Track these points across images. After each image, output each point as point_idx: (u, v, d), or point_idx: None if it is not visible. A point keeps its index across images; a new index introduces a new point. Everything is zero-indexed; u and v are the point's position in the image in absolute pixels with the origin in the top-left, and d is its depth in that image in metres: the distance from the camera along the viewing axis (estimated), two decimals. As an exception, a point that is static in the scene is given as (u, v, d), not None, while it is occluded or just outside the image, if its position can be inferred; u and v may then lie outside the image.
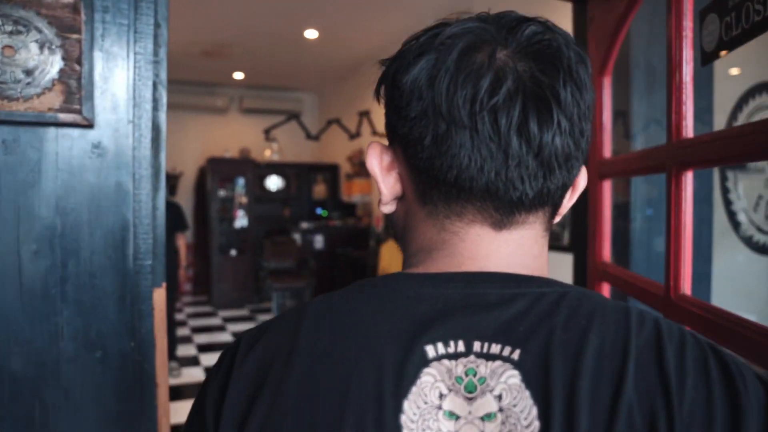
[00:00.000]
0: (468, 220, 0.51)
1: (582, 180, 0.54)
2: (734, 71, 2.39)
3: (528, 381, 0.43)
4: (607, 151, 1.47)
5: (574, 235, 1.60)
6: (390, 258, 5.75)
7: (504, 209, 0.50)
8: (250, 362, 0.49)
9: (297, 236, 7.04)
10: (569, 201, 0.54)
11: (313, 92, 9.48)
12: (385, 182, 0.55)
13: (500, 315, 0.46)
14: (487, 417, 0.43)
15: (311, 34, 6.10)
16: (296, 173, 8.36)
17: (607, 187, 1.47)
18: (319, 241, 7.03)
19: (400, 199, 0.56)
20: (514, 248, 0.51)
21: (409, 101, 0.50)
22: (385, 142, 0.58)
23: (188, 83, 8.58)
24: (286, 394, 0.46)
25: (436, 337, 0.46)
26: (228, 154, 8.23)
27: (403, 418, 0.43)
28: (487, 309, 0.47)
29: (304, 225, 7.22)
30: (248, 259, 7.78)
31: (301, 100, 9.33)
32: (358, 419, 0.43)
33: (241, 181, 8.04)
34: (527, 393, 0.43)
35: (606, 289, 1.47)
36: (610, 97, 1.46)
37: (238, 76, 8.13)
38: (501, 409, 0.43)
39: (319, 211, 8.34)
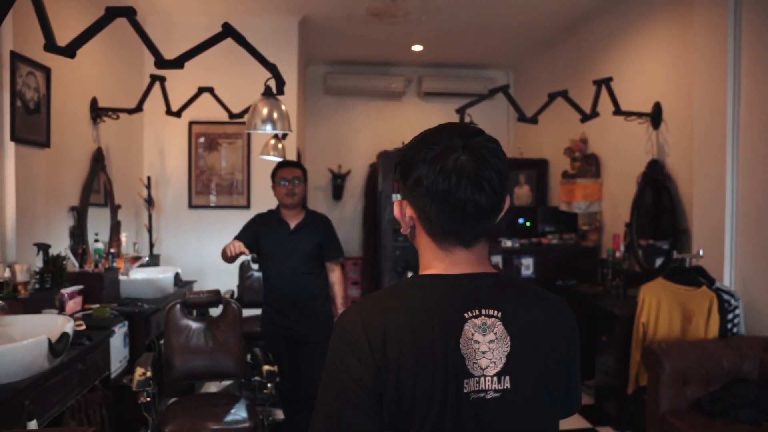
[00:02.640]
0: (452, 244, 1.02)
1: (506, 205, 1.05)
2: None
3: (506, 326, 0.98)
4: None
5: None
6: (658, 308, 3.56)
7: (468, 240, 1.02)
8: (378, 331, 0.95)
9: (497, 258, 5.09)
10: (499, 218, 1.05)
11: (508, 69, 7.46)
12: (405, 222, 1.07)
13: (490, 294, 1.00)
14: (492, 342, 0.97)
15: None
16: (490, 171, 6.34)
17: None
18: (528, 266, 5.03)
19: (412, 226, 1.07)
20: (477, 257, 1.04)
21: (414, 188, 1.01)
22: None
23: (356, 63, 7.04)
24: (408, 346, 0.94)
25: (466, 308, 0.98)
26: (404, 147, 6.52)
27: (460, 345, 0.95)
28: (484, 291, 1.00)
29: (507, 243, 5.25)
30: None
31: (493, 79, 7.35)
32: (441, 350, 0.94)
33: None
34: (506, 332, 0.98)
35: None
36: None
37: (417, 48, 6.39)
38: (497, 338, 0.97)
39: (521, 221, 6.32)
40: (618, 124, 4.71)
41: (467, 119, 4.21)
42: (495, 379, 0.95)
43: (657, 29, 4.44)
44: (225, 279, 5.05)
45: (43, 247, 3.11)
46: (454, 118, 7.22)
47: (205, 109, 4.81)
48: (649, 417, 3.12)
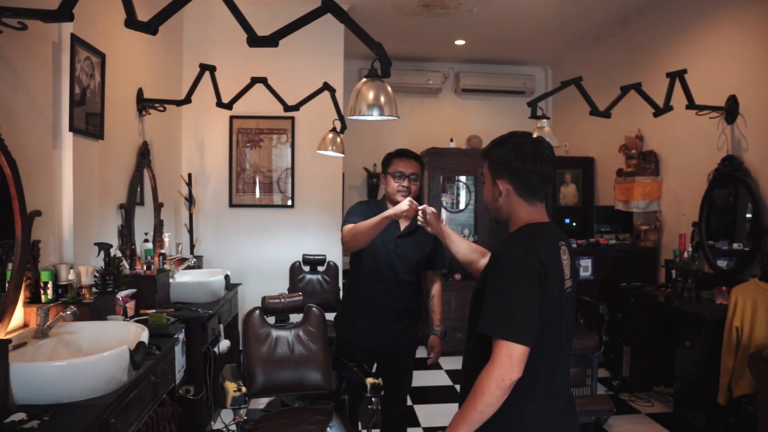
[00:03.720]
0: (535, 200, 1.66)
1: None
2: None
3: (567, 249, 1.67)
4: None
5: None
6: (753, 311, 3.32)
7: (542, 197, 1.67)
8: (538, 257, 1.53)
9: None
10: None
11: (546, 65, 7.22)
12: (503, 192, 1.68)
13: (558, 231, 1.69)
14: (566, 259, 1.63)
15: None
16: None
17: None
18: (587, 267, 4.78)
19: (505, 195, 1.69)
20: (544, 208, 1.70)
21: (512, 171, 1.65)
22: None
23: (391, 58, 6.79)
24: (548, 259, 1.55)
25: (558, 240, 1.64)
26: (453, 144, 6.23)
27: (561, 261, 1.60)
28: (557, 230, 1.70)
29: (562, 243, 4.99)
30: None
31: (531, 76, 7.13)
32: (558, 264, 1.59)
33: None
34: (570, 256, 1.66)
35: None
36: None
37: (459, 42, 6.15)
38: (566, 256, 1.63)
39: (566, 221, 6.08)
40: (680, 119, 4.47)
41: (539, 112, 3.97)
42: (570, 280, 1.63)
43: (730, 21, 4.21)
44: (269, 282, 4.80)
45: (105, 247, 2.85)
46: (492, 116, 7.03)
47: (248, 103, 4.55)
48: (762, 431, 2.88)
